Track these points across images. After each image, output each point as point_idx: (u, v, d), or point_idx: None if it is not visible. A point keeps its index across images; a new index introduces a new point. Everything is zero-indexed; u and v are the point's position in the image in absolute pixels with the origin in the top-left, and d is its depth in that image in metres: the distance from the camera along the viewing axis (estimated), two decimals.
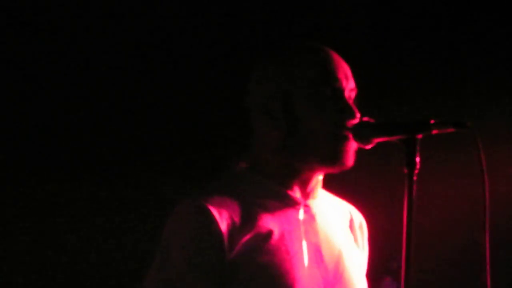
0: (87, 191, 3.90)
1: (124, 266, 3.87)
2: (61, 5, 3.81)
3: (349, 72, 2.02)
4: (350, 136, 1.95)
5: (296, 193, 2.02)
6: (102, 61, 3.89)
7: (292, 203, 2.01)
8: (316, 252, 2.00)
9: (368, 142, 1.93)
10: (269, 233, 1.93)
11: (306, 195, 2.04)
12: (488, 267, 1.83)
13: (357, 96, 2.02)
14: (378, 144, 1.94)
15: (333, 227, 2.09)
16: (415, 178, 1.81)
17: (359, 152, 2.01)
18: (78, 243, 3.88)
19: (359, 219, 2.21)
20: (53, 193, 3.85)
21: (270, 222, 1.95)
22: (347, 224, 2.16)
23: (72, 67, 3.85)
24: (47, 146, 3.85)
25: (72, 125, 3.87)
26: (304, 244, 1.99)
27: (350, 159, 1.98)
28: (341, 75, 1.99)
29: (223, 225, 1.89)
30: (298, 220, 2.01)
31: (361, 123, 1.95)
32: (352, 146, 1.97)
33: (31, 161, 3.83)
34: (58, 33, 3.82)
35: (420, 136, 1.83)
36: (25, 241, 3.81)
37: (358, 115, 1.97)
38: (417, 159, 1.82)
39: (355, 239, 2.17)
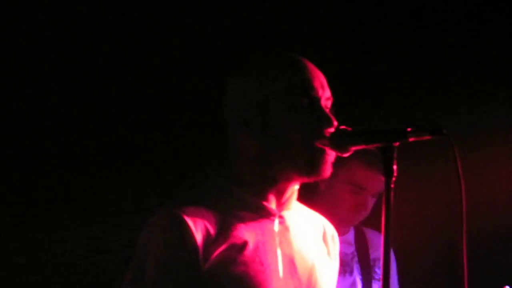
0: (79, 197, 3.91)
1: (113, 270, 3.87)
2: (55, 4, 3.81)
3: (324, 81, 2.03)
4: (327, 146, 1.95)
5: (272, 204, 2.02)
6: (97, 65, 3.90)
7: (267, 214, 2.01)
8: (290, 263, 2.01)
9: (346, 150, 1.93)
10: (244, 244, 1.94)
11: (281, 206, 2.04)
12: (465, 270, 1.84)
13: (333, 105, 2.03)
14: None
15: (306, 239, 2.09)
16: (392, 185, 1.82)
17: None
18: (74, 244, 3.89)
19: (331, 232, 2.22)
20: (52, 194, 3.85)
21: (245, 233, 1.95)
22: (320, 236, 2.17)
23: (66, 68, 3.86)
24: (45, 148, 3.85)
25: (65, 126, 3.87)
26: (279, 255, 1.99)
27: (327, 170, 1.98)
28: (317, 84, 2.00)
29: (198, 236, 1.89)
30: (273, 231, 2.01)
31: (338, 131, 1.95)
32: (330, 156, 1.97)
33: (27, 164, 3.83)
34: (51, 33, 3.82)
35: (397, 143, 1.84)
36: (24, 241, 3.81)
37: (335, 123, 1.97)
38: (395, 167, 1.83)
39: (328, 251, 2.18)
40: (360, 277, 3.38)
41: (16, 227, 3.82)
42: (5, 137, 3.80)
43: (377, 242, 3.48)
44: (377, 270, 3.45)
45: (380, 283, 1.82)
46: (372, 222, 3.57)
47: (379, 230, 3.28)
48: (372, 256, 3.45)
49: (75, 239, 3.90)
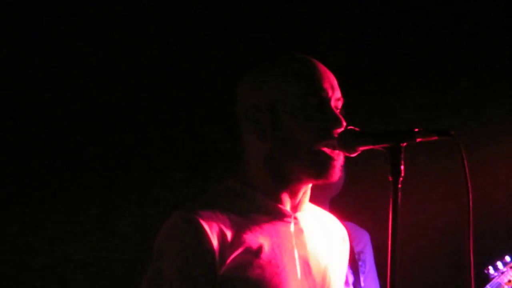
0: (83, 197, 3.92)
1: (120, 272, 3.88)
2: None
3: (335, 82, 2.04)
4: (334, 148, 1.96)
5: (286, 206, 2.03)
6: (103, 66, 3.91)
7: (282, 217, 2.02)
8: (305, 265, 2.02)
9: (353, 150, 1.94)
10: (260, 248, 1.94)
11: (295, 207, 2.05)
12: (472, 271, 1.85)
13: (343, 106, 2.04)
14: (363, 152, 1.96)
15: (319, 239, 2.11)
16: (400, 185, 1.83)
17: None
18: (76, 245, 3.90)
19: (343, 232, 2.23)
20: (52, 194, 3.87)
21: (260, 237, 1.96)
22: (332, 236, 2.19)
23: (69, 69, 3.87)
24: (48, 149, 3.86)
25: (71, 127, 3.88)
26: (296, 256, 2.00)
27: (335, 174, 1.99)
28: (327, 85, 2.00)
29: (214, 240, 1.90)
30: (288, 233, 2.02)
31: (346, 131, 1.96)
32: (337, 161, 1.98)
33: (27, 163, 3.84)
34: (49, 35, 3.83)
35: (404, 144, 1.85)
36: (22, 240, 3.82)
37: (344, 124, 1.98)
38: (402, 167, 1.84)
39: (339, 252, 2.19)
40: (350, 270, 3.39)
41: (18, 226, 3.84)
42: (13, 136, 3.82)
43: (357, 235, 3.50)
44: (360, 263, 3.47)
45: (388, 283, 1.82)
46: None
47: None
48: (355, 250, 3.46)
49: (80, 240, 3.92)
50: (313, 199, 2.17)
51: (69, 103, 3.90)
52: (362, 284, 3.44)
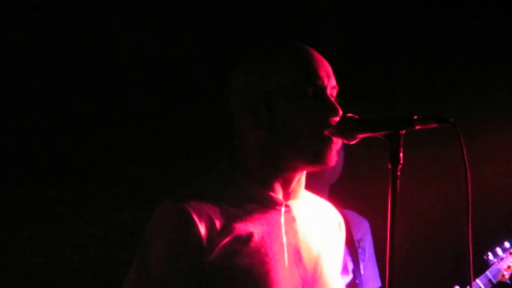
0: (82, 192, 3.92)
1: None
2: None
3: (330, 70, 2.03)
4: (333, 135, 1.96)
5: (278, 194, 2.03)
6: (101, 64, 3.91)
7: (273, 205, 2.02)
8: (296, 253, 2.02)
9: (352, 138, 1.94)
10: (249, 236, 1.94)
11: (288, 195, 2.04)
12: (471, 261, 1.85)
13: (338, 94, 2.04)
14: (362, 140, 1.96)
15: (312, 227, 2.10)
16: (399, 173, 1.82)
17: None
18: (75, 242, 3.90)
19: (338, 219, 2.23)
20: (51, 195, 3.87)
21: (250, 225, 1.96)
22: (328, 224, 2.18)
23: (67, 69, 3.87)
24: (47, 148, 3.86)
25: (68, 125, 3.89)
26: (285, 245, 2.00)
27: (332, 158, 1.99)
28: (322, 73, 2.00)
29: (202, 228, 1.90)
30: (278, 221, 2.01)
31: (345, 119, 1.96)
32: (335, 145, 1.98)
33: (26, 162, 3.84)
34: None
35: (403, 131, 1.85)
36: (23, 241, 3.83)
37: (340, 112, 1.97)
38: (401, 155, 1.84)
39: (335, 239, 2.19)
40: (350, 258, 3.40)
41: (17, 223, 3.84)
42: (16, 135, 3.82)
43: (357, 223, 3.51)
44: (360, 251, 3.48)
45: (387, 271, 1.83)
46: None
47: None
48: (355, 237, 3.47)
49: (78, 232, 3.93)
50: (312, 188, 2.17)
51: (59, 101, 3.90)
52: (362, 271, 3.45)
